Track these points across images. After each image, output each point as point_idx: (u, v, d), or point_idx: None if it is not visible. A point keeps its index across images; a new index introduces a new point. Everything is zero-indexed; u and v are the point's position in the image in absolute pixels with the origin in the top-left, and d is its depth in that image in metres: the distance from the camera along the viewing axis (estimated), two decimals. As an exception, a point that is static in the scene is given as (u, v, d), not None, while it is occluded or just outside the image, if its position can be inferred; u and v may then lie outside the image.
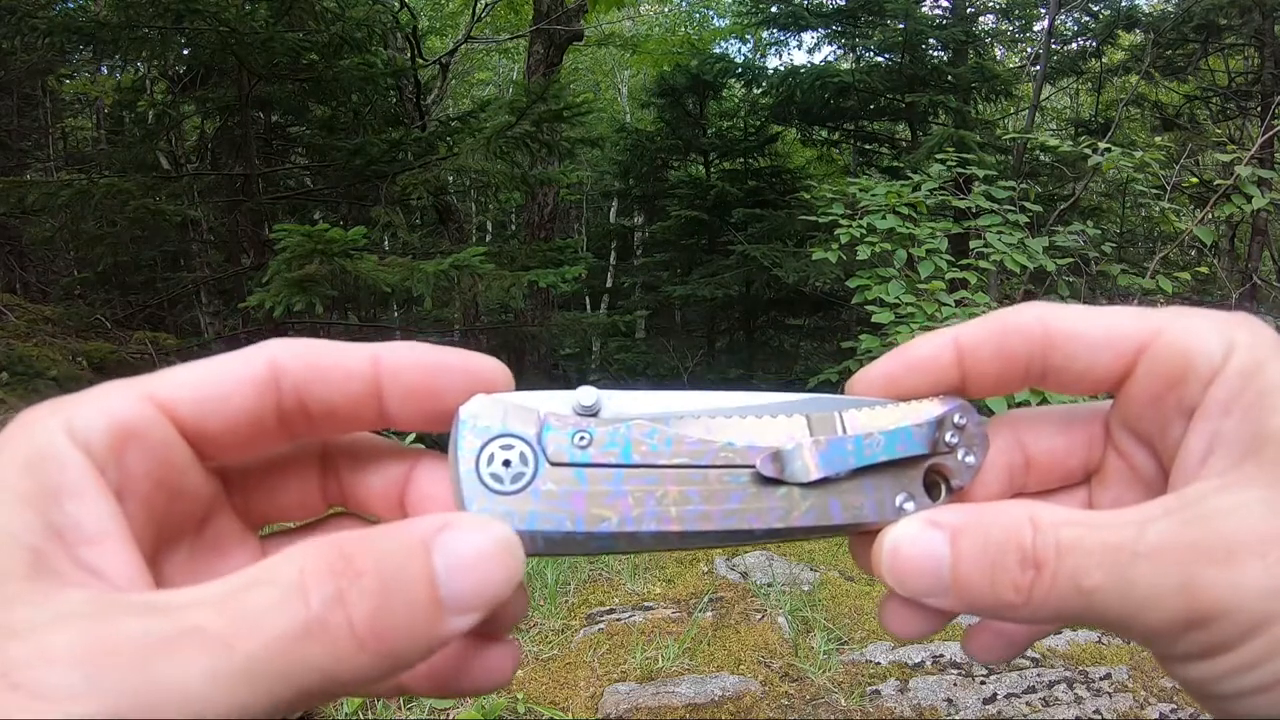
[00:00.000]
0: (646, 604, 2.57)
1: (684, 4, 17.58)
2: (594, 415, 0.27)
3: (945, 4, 9.75)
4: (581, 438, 0.26)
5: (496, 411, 0.26)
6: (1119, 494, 0.30)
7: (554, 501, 0.25)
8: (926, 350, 0.30)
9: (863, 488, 0.29)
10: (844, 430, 0.29)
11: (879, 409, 0.30)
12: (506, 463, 0.25)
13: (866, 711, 1.95)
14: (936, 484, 0.30)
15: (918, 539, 0.26)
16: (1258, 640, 0.23)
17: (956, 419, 0.30)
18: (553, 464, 0.26)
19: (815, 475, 0.28)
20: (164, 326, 7.49)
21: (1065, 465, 0.31)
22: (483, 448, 0.25)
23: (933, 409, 0.30)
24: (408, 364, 0.26)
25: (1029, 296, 4.16)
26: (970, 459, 0.30)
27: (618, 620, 2.42)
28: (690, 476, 0.27)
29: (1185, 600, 0.23)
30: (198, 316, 8.20)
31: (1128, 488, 0.30)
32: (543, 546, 0.26)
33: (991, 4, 10.17)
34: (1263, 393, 0.24)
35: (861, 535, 0.30)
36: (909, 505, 0.29)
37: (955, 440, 0.30)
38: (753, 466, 0.28)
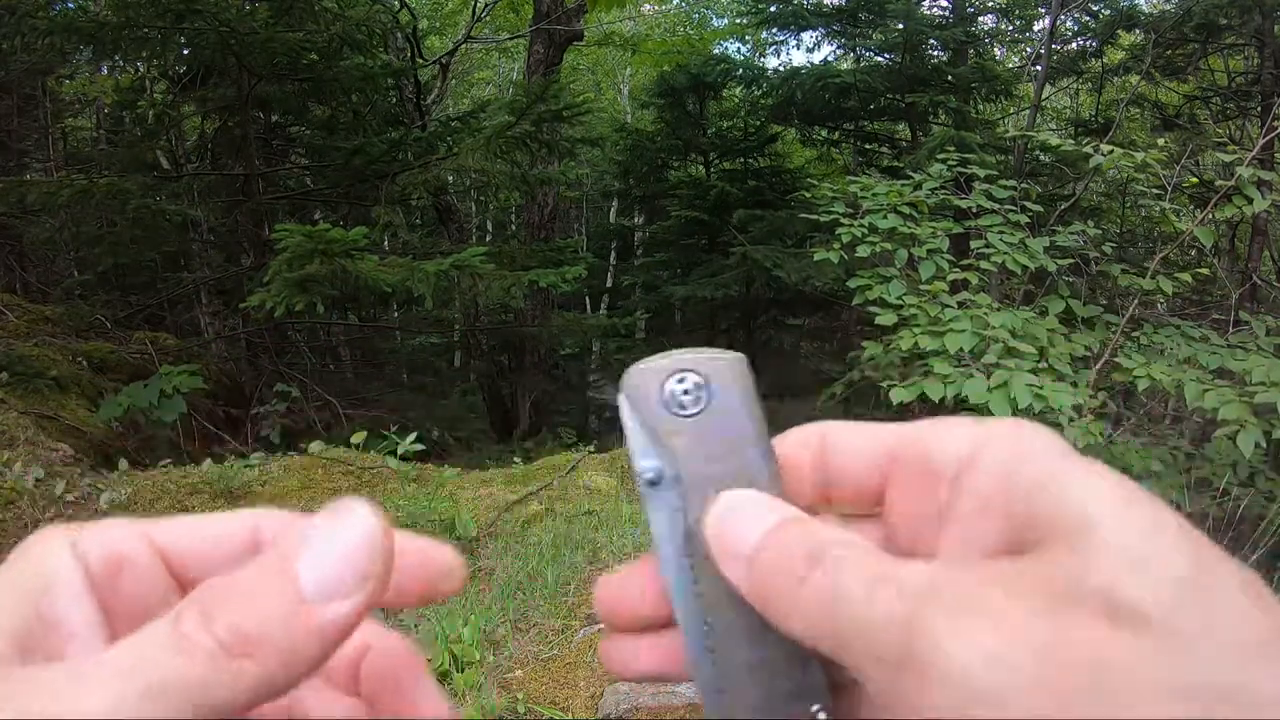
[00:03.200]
0: (646, 604, 2.56)
1: (684, 4, 17.58)
2: None
3: (945, 4, 9.76)
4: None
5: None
6: None
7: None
8: None
9: None
10: None
11: None
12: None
13: (867, 712, 1.94)
14: None
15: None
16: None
17: None
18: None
19: None
20: (164, 327, 7.49)
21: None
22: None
23: None
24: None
25: (1029, 297, 4.16)
26: None
27: (618, 620, 2.42)
28: None
29: (905, 635, 0.20)
30: (198, 317, 8.20)
31: None
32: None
33: (991, 4, 10.17)
34: (1039, 482, 0.22)
35: None
36: None
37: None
38: None
